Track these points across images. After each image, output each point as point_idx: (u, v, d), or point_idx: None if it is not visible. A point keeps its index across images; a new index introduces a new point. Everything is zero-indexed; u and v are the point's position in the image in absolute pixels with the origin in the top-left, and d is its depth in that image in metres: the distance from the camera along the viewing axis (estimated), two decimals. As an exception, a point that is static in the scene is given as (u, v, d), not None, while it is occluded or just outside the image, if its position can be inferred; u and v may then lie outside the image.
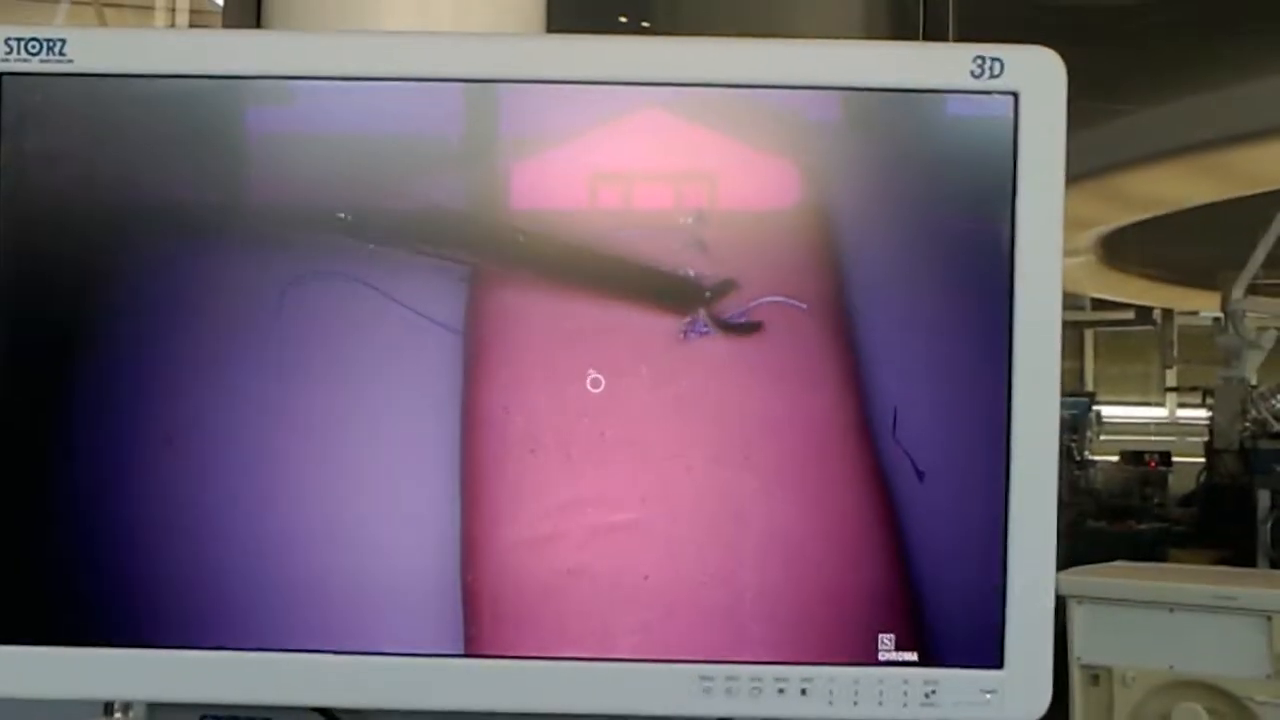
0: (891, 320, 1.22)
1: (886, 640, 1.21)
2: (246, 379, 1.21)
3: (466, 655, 1.21)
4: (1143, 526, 9.08)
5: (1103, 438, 11.18)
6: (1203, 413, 9.86)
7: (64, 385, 1.21)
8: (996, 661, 1.22)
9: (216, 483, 1.21)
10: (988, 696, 1.22)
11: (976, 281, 1.22)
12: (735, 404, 1.21)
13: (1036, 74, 1.23)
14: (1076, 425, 9.92)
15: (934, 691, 1.21)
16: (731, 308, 1.21)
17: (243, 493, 1.21)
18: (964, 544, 1.21)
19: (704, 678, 1.21)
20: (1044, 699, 1.23)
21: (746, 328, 1.21)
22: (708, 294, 1.21)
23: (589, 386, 1.21)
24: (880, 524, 1.21)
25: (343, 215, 1.21)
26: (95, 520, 1.21)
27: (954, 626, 1.22)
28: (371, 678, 1.22)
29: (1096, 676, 3.26)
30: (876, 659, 1.21)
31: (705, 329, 1.21)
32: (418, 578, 1.21)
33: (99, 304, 1.22)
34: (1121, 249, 12.34)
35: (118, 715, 1.65)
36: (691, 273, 1.21)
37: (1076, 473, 9.70)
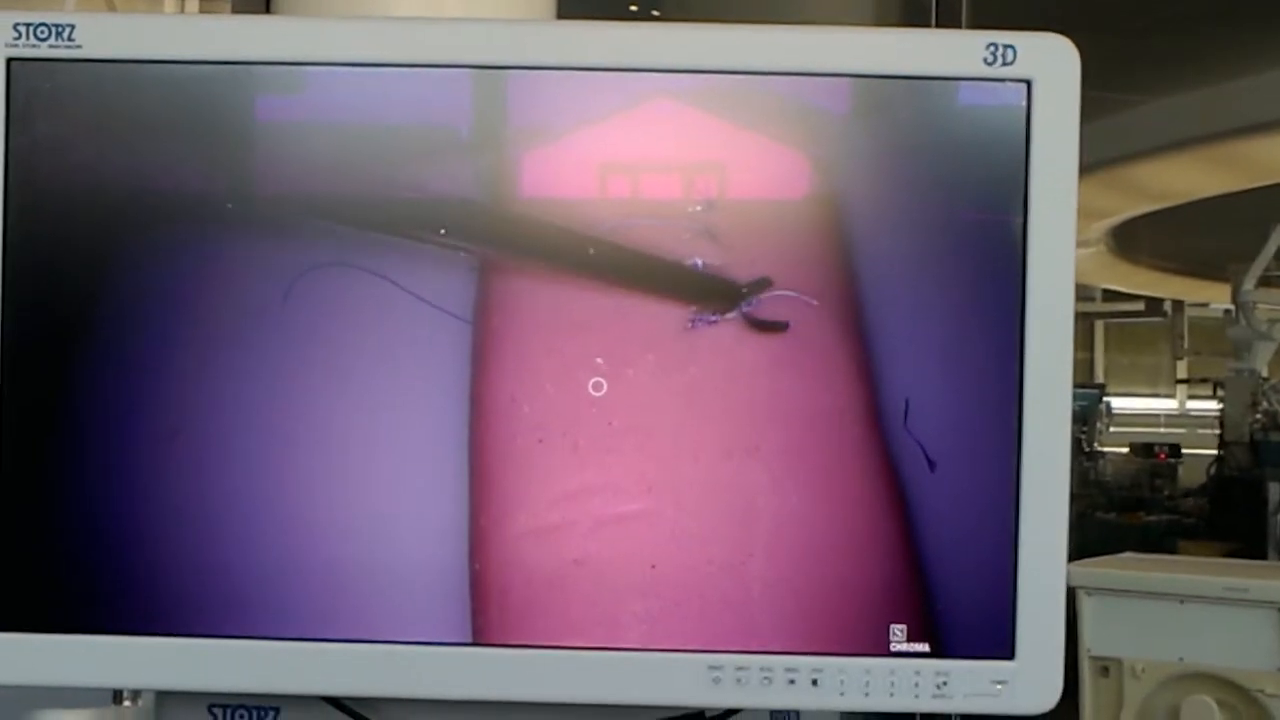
0: (903, 310, 1.21)
1: (898, 631, 1.21)
2: (255, 368, 1.21)
3: (474, 644, 1.21)
4: (1152, 518, 9.07)
5: (1112, 429, 11.18)
6: (1213, 404, 9.85)
7: (73, 373, 1.21)
8: (1008, 652, 1.21)
9: (225, 471, 1.21)
10: (999, 687, 1.21)
11: (988, 271, 1.22)
12: (744, 394, 1.21)
13: (1050, 62, 1.22)
14: (1086, 417, 9.92)
15: (945, 683, 1.21)
16: (741, 298, 1.21)
17: (251, 482, 1.21)
18: (975, 535, 1.21)
19: (713, 667, 1.21)
20: (1055, 690, 1.23)
21: (756, 318, 1.21)
22: (717, 284, 1.21)
23: (597, 376, 1.21)
24: (891, 514, 1.20)
25: (359, 205, 1.21)
26: (104, 509, 1.21)
27: (965, 617, 1.21)
28: (379, 666, 1.21)
29: (1106, 668, 3.26)
30: (888, 650, 1.21)
31: (714, 319, 1.21)
32: (426, 567, 1.21)
33: (107, 292, 1.21)
34: (1132, 240, 12.33)
35: (126, 703, 1.65)
36: (701, 262, 1.21)
37: (1086, 464, 9.70)
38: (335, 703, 1.30)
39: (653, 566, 1.21)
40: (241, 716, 1.34)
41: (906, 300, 1.21)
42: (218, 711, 1.34)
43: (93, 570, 1.21)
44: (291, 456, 1.21)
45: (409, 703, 1.29)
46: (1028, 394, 1.21)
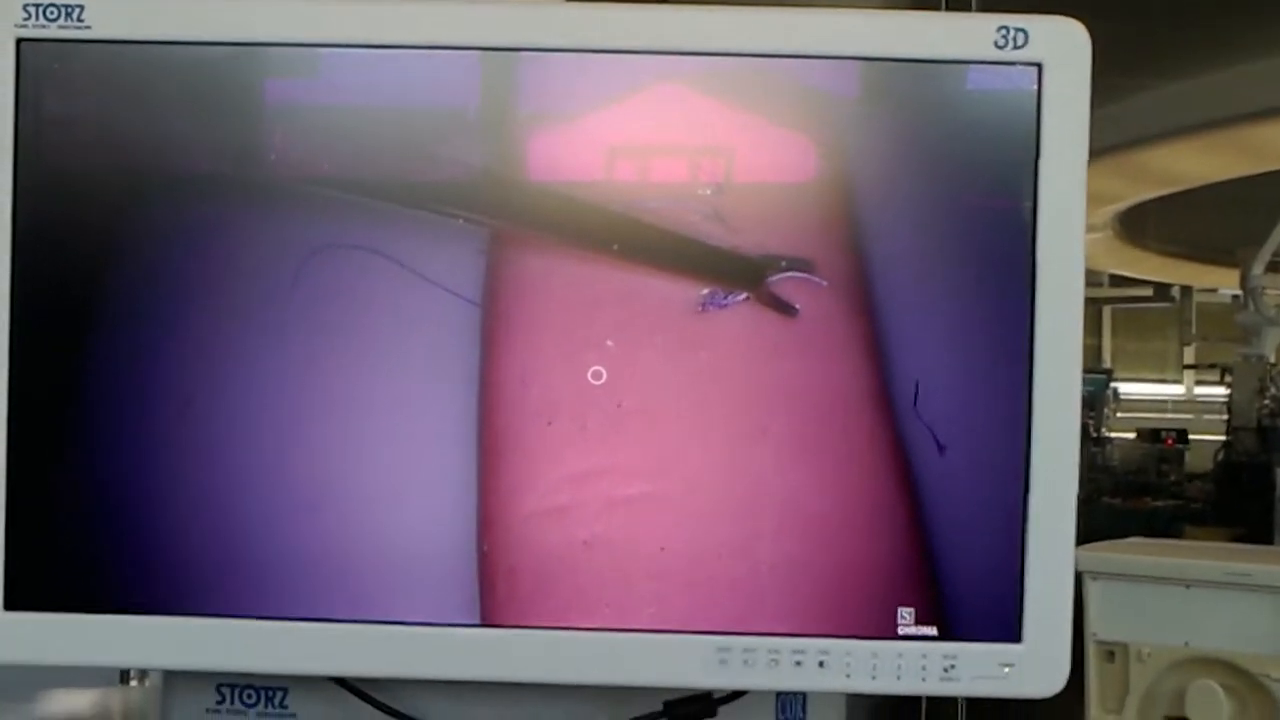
0: (912, 294, 1.21)
1: (906, 614, 1.21)
2: (264, 349, 1.21)
3: (482, 625, 1.21)
4: (1159, 503, 9.07)
5: (1120, 415, 11.17)
6: (1220, 390, 9.84)
7: (81, 354, 1.21)
8: (1015, 636, 1.21)
9: (233, 452, 1.21)
10: (1006, 670, 1.21)
11: (998, 255, 1.21)
12: (754, 376, 1.21)
13: (1061, 45, 1.22)
14: (1094, 402, 9.91)
15: (953, 665, 1.21)
16: (751, 280, 1.20)
17: (259, 463, 1.21)
18: (984, 518, 1.21)
19: (721, 649, 1.21)
20: (1062, 674, 1.23)
21: (766, 300, 1.21)
22: (727, 267, 1.21)
23: (606, 358, 1.21)
24: (900, 497, 1.20)
25: (367, 188, 1.21)
26: (112, 489, 1.21)
27: (973, 601, 1.21)
28: (387, 647, 1.22)
29: (1112, 652, 3.25)
30: (895, 633, 1.21)
31: (724, 301, 1.21)
32: (434, 548, 1.21)
33: (115, 273, 1.21)
34: (1140, 225, 12.28)
35: (134, 683, 1.66)
36: (710, 246, 1.21)
37: (1093, 449, 9.70)
38: (343, 683, 1.30)
39: (662, 549, 1.21)
40: (249, 696, 1.35)
41: (916, 284, 1.21)
42: (225, 691, 1.35)
43: (100, 550, 1.21)
44: (300, 438, 1.21)
45: (416, 683, 1.29)
46: (1037, 378, 1.21)
